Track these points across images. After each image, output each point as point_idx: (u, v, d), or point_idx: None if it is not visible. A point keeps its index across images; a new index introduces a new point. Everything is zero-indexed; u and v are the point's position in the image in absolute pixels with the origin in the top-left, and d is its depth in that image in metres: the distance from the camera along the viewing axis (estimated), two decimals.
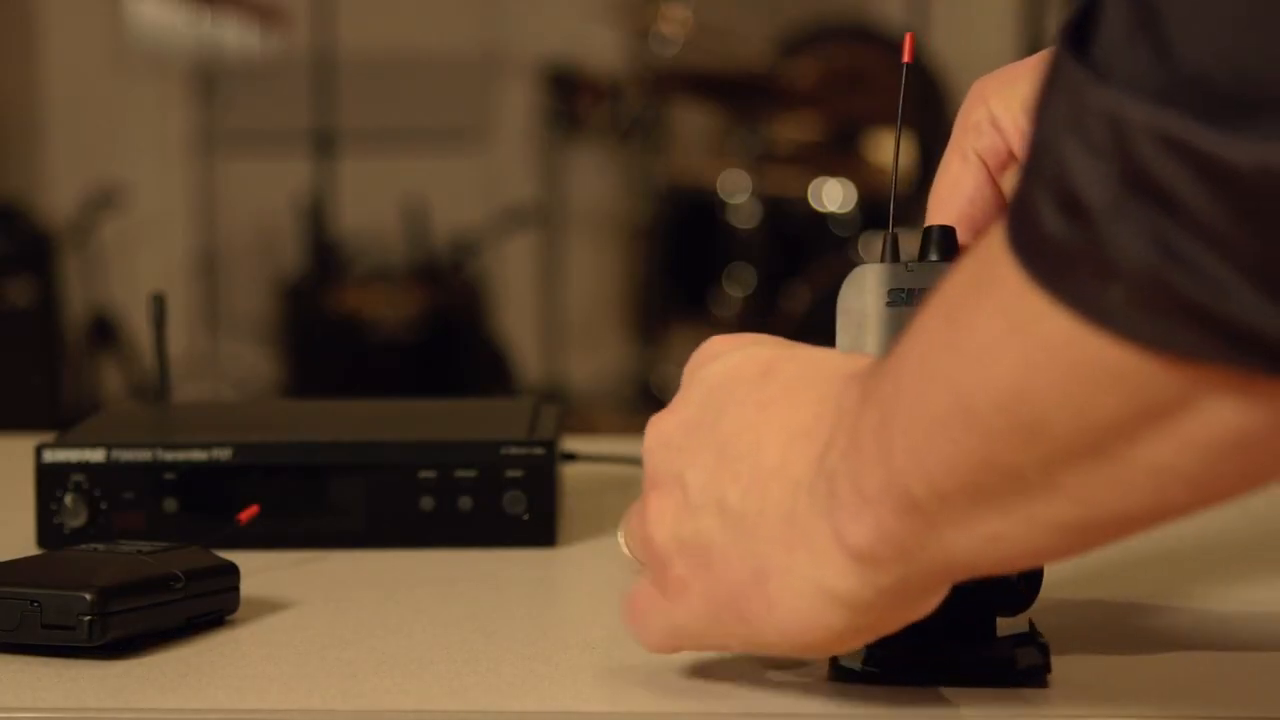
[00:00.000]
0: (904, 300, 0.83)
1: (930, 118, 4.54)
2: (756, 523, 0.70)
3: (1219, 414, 0.56)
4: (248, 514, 1.00)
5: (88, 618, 0.82)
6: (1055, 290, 0.57)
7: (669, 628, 0.74)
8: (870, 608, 0.69)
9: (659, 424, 0.75)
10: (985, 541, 0.64)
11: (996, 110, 0.83)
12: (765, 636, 0.71)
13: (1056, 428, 0.59)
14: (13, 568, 0.87)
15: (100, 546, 0.89)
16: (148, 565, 0.86)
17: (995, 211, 0.84)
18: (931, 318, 0.64)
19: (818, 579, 0.69)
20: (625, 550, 0.78)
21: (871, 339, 0.82)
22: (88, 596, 0.82)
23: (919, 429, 0.63)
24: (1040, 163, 0.57)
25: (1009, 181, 0.84)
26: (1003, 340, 0.59)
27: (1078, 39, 0.57)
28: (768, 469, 0.70)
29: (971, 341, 0.60)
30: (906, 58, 0.87)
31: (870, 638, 0.72)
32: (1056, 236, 0.56)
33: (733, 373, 0.74)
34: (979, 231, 0.84)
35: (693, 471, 0.72)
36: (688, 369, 0.76)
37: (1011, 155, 0.83)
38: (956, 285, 0.62)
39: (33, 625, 0.82)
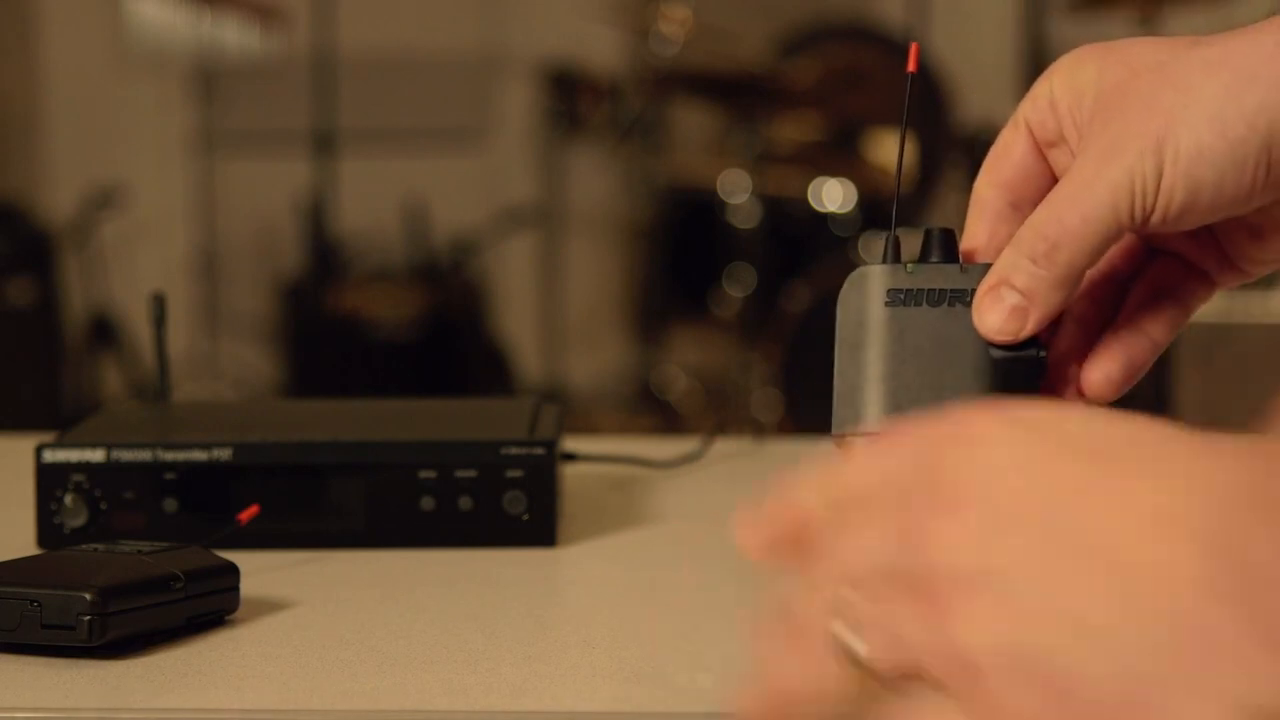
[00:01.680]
0: (902, 301, 0.83)
1: (932, 119, 4.54)
2: (1140, 640, 0.57)
3: None
4: (248, 514, 1.00)
5: (88, 618, 0.82)
6: None
7: None
8: None
9: (933, 523, 0.59)
10: None
11: (1057, 90, 0.84)
12: None
13: None
14: (13, 568, 0.87)
15: (100, 546, 0.89)
16: (148, 565, 0.86)
17: (1039, 182, 0.85)
18: None
19: (1242, 695, 0.55)
20: (851, 644, 0.59)
21: (871, 339, 0.83)
22: (88, 596, 0.82)
23: None
24: None
25: (1055, 158, 0.85)
26: None
27: None
28: (1137, 566, 0.57)
29: None
30: (911, 67, 0.87)
31: None
32: None
33: (1029, 461, 0.60)
34: (1018, 201, 0.85)
35: (1017, 569, 0.58)
36: (938, 451, 0.60)
37: (1060, 136, 0.84)
38: None
39: (33, 625, 0.82)
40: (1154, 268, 0.87)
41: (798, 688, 0.60)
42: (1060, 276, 0.81)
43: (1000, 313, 0.82)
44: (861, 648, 0.59)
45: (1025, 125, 0.85)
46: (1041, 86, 0.85)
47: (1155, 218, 0.80)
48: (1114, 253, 0.87)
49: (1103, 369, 0.85)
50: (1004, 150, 0.86)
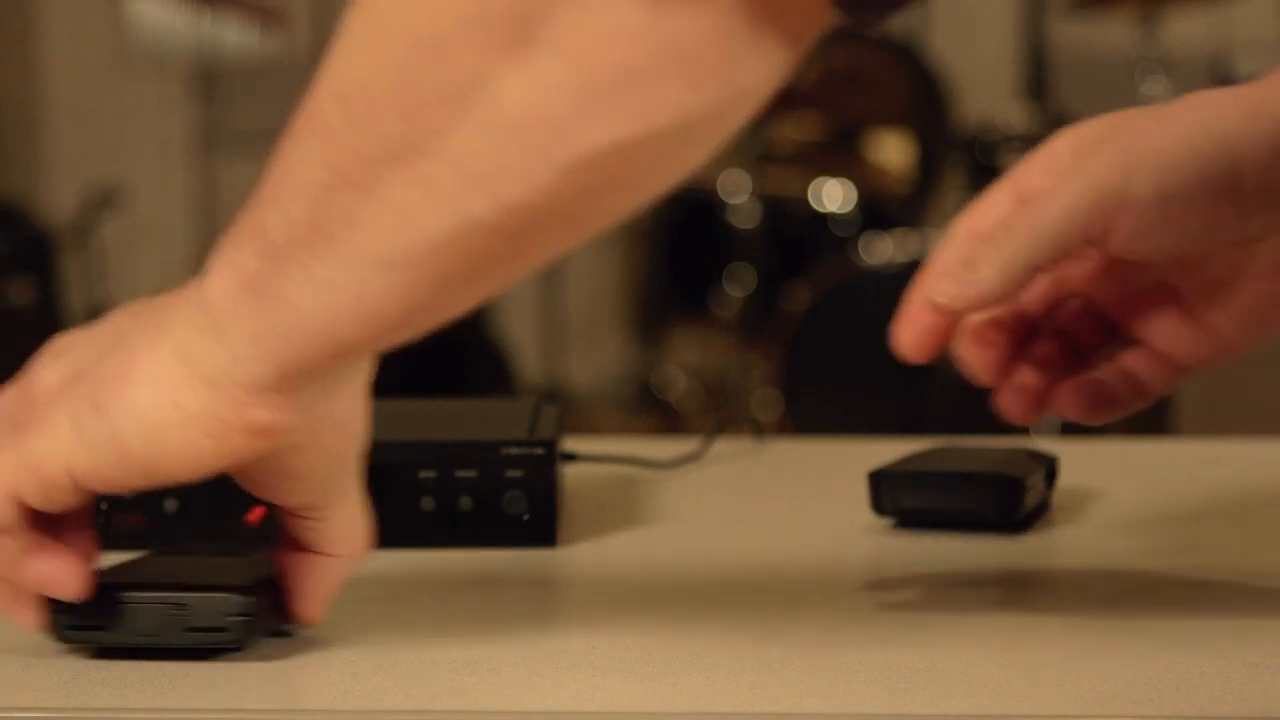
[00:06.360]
0: None
1: (931, 119, 4.54)
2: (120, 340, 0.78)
3: None
4: (256, 514, 1.00)
5: (240, 618, 0.80)
6: None
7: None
8: (227, 382, 0.73)
9: None
10: (321, 286, 0.70)
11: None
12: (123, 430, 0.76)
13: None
14: (134, 570, 0.85)
15: (174, 549, 0.89)
16: (257, 566, 0.84)
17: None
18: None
19: (173, 343, 0.74)
20: None
21: None
22: (240, 598, 0.80)
23: (278, 171, 0.72)
24: None
25: None
26: None
27: None
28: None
29: None
30: None
31: (238, 444, 0.76)
32: None
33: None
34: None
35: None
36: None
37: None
38: None
39: (176, 628, 0.81)
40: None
41: None
42: (1017, 254, 0.81)
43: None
44: None
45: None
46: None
47: (1125, 225, 0.81)
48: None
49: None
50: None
